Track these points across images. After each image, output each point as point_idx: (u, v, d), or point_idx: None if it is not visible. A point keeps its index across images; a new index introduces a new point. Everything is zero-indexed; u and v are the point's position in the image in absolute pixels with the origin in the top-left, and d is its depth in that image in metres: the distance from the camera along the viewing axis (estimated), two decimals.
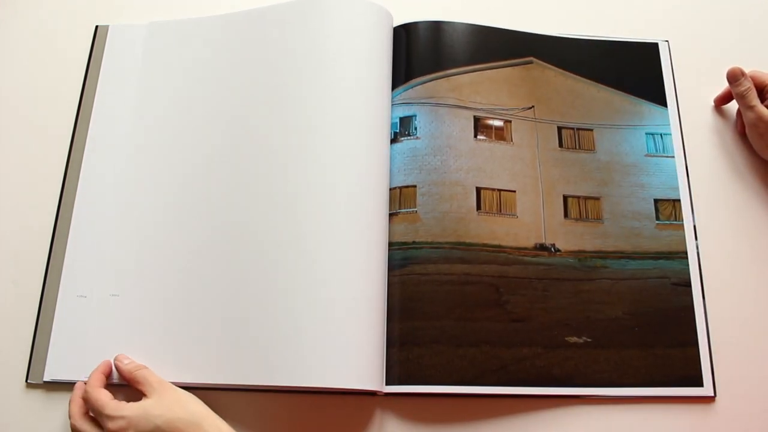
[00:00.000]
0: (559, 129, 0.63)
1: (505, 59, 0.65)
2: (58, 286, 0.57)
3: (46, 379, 0.55)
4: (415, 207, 0.58)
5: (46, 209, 0.60)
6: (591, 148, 0.63)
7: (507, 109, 0.63)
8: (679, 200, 0.61)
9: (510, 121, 0.62)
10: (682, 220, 0.61)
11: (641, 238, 0.60)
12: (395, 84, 0.62)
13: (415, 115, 0.61)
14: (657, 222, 0.60)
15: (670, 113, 0.64)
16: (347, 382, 0.50)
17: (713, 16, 0.71)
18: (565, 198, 0.61)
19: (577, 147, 0.63)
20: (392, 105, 0.61)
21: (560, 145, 0.62)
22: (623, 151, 0.63)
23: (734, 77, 0.63)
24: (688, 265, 0.59)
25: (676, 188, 0.62)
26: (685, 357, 0.56)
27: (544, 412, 0.55)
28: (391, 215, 0.58)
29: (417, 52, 0.63)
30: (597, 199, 0.61)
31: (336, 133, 0.57)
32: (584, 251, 0.59)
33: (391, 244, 0.57)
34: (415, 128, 0.61)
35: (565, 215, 0.60)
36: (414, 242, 0.57)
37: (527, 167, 0.61)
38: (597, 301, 0.57)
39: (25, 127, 0.64)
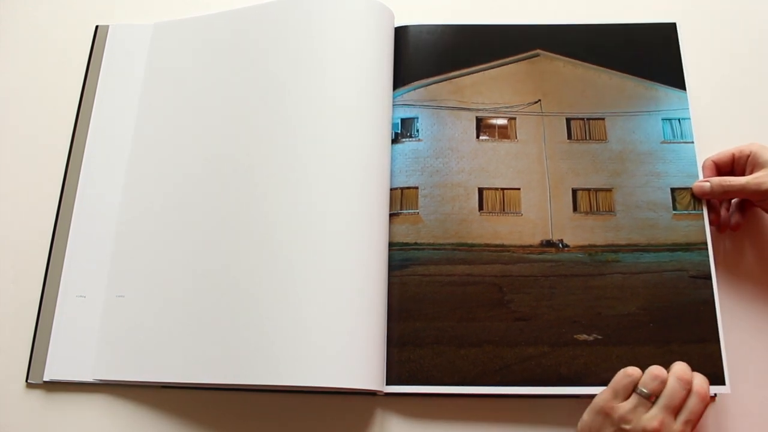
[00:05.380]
0: (568, 120, 0.61)
1: (510, 56, 0.64)
2: (58, 286, 0.57)
3: (46, 379, 0.55)
4: (416, 208, 0.58)
5: (46, 209, 0.60)
6: (602, 138, 0.61)
7: (511, 107, 0.62)
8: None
9: (514, 119, 0.61)
10: (702, 210, 0.57)
11: (657, 229, 0.57)
12: (396, 84, 0.62)
13: (417, 117, 0.61)
14: (674, 212, 0.58)
15: (690, 96, 0.61)
16: (347, 382, 0.50)
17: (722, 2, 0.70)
18: (575, 191, 0.59)
19: (587, 138, 0.61)
20: (393, 105, 0.61)
21: (569, 137, 0.61)
22: (637, 139, 0.60)
23: (702, 193, 0.57)
24: (707, 256, 0.56)
25: (695, 175, 0.58)
26: (705, 354, 0.53)
27: (550, 413, 0.54)
28: (392, 215, 0.58)
29: (418, 54, 0.63)
30: (609, 190, 0.59)
31: (337, 131, 0.57)
32: (595, 245, 0.57)
33: (392, 245, 0.57)
34: (417, 130, 0.61)
35: (575, 209, 0.59)
36: (416, 243, 0.57)
37: (533, 163, 0.60)
38: (608, 296, 0.55)
39: (26, 127, 0.64)
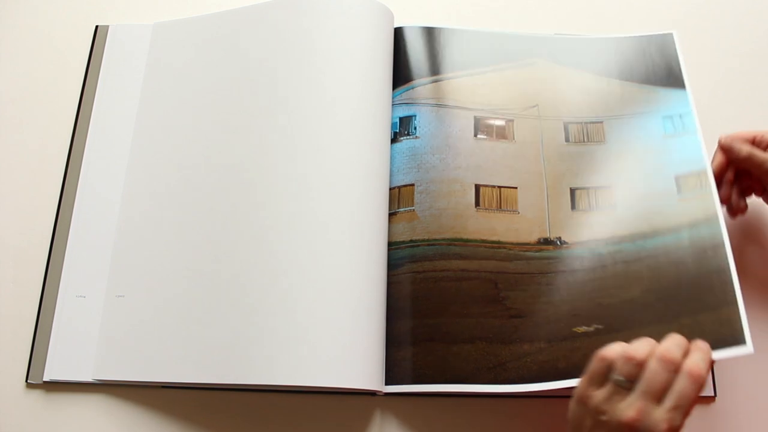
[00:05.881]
0: (566, 124, 0.61)
1: (509, 62, 0.64)
2: (58, 286, 0.57)
3: (46, 379, 0.55)
4: (412, 205, 0.58)
5: (46, 209, 0.60)
6: (601, 140, 0.60)
7: (509, 109, 0.62)
8: (705, 170, 0.55)
9: (512, 120, 0.61)
10: (710, 188, 0.55)
11: (661, 215, 0.55)
12: (395, 84, 0.62)
13: (415, 115, 0.61)
14: (679, 197, 0.56)
15: (690, 93, 0.59)
16: (347, 381, 0.50)
17: (718, 6, 0.71)
18: (573, 191, 0.58)
19: (586, 140, 0.60)
20: (393, 105, 0.61)
21: (567, 139, 0.60)
22: (637, 137, 0.59)
23: (729, 146, 0.56)
24: (718, 227, 0.53)
25: (701, 161, 0.56)
26: (720, 319, 0.49)
27: (549, 410, 0.54)
28: (390, 215, 0.57)
29: (418, 54, 0.63)
30: (608, 188, 0.58)
31: (337, 132, 0.57)
32: (595, 240, 0.56)
33: (390, 244, 0.56)
34: (415, 128, 0.60)
35: (573, 207, 0.57)
36: (411, 240, 0.56)
37: (530, 164, 0.59)
38: (610, 286, 0.53)
39: (25, 127, 0.64)
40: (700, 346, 0.44)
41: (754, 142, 0.56)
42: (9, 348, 0.56)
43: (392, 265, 0.56)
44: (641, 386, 0.41)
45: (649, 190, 0.57)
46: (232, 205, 0.57)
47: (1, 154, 0.63)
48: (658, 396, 0.41)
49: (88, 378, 0.55)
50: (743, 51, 0.69)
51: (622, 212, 0.56)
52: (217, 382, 0.52)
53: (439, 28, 0.65)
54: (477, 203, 0.58)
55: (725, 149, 0.56)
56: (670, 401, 0.41)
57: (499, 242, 0.56)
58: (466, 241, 0.56)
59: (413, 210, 0.57)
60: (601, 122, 0.61)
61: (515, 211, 0.57)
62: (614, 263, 0.54)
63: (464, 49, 0.64)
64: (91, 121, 0.63)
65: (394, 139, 0.60)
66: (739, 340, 0.48)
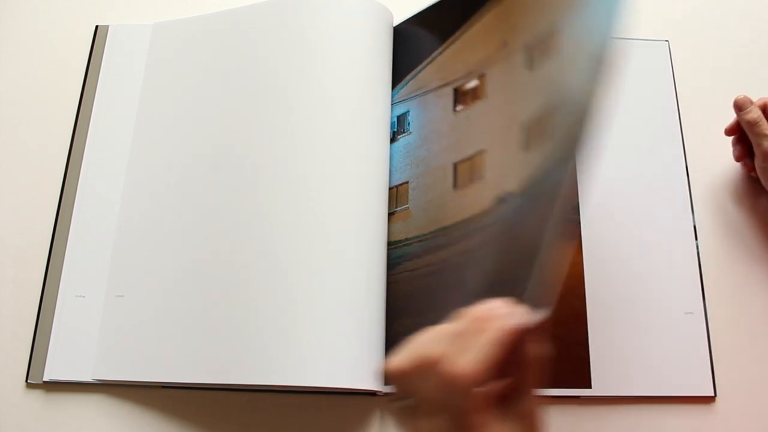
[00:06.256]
0: (529, 50, 0.50)
1: (484, 5, 0.57)
2: (58, 286, 0.57)
3: (46, 379, 0.55)
4: (407, 203, 0.57)
5: (46, 209, 0.60)
6: (559, 48, 0.47)
7: (482, 62, 0.56)
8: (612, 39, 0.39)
9: (484, 75, 0.55)
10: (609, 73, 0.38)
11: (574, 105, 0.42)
12: (394, 83, 0.62)
13: (408, 111, 0.60)
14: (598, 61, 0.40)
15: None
16: (347, 382, 0.50)
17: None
18: (523, 124, 0.48)
19: (546, 58, 0.48)
20: (393, 104, 0.61)
21: (530, 67, 0.50)
22: (586, 19, 0.44)
23: (742, 105, 0.57)
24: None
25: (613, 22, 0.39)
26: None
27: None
28: (390, 215, 0.57)
29: (408, 46, 0.62)
30: (551, 109, 0.45)
31: (336, 132, 0.56)
32: (531, 178, 0.45)
33: (388, 244, 0.56)
34: (409, 124, 0.60)
35: (526, 147, 0.47)
36: (406, 239, 0.56)
37: (498, 115, 0.53)
38: (519, 236, 0.44)
39: (25, 127, 0.64)
40: (491, 324, 0.32)
41: (765, 111, 0.57)
42: (9, 348, 0.56)
43: (390, 265, 0.56)
44: (420, 403, 0.32)
45: (576, 81, 0.43)
46: (232, 205, 0.57)
47: (1, 154, 0.63)
48: (438, 409, 0.32)
49: (88, 378, 0.55)
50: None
51: (555, 128, 0.44)
52: (217, 382, 0.52)
53: (414, 14, 0.62)
54: (455, 184, 0.55)
55: (737, 106, 0.57)
56: (444, 418, 0.31)
57: (468, 219, 0.52)
58: (446, 229, 0.54)
59: (408, 208, 0.57)
60: (557, 29, 0.47)
61: (482, 177, 0.52)
62: (532, 200, 0.44)
63: (446, 17, 0.60)
64: (91, 121, 0.63)
65: (392, 139, 0.60)
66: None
